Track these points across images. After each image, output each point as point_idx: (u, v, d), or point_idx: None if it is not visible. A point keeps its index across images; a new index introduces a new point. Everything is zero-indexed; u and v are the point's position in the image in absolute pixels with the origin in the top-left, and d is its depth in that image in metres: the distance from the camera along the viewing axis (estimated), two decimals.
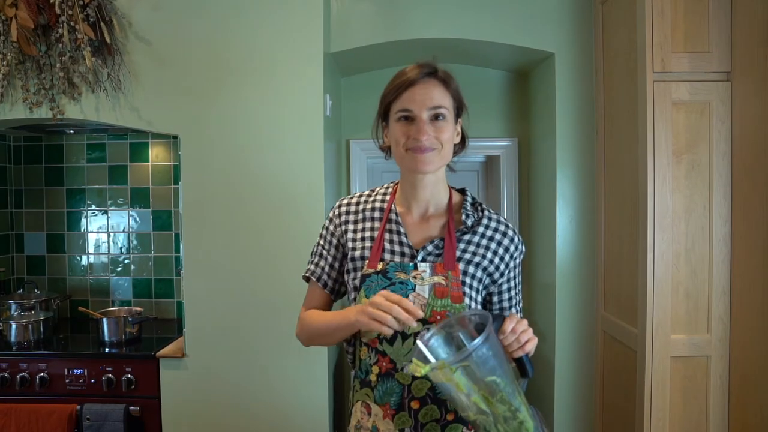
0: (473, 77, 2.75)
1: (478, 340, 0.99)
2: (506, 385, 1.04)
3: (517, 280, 1.33)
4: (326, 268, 1.34)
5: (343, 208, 1.34)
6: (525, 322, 1.11)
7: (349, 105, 2.75)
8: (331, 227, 1.34)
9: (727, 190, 1.88)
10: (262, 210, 2.18)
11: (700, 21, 1.86)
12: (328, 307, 1.37)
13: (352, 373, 1.31)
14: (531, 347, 1.11)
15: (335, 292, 1.36)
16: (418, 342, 1.07)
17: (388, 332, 1.07)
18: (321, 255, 1.35)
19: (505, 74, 2.77)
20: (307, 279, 1.38)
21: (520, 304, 1.36)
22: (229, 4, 2.16)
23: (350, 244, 1.28)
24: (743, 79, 1.81)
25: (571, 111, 2.34)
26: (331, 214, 1.36)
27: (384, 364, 1.21)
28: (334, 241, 1.33)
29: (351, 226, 1.31)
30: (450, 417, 1.21)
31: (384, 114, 1.25)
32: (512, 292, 1.32)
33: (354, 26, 2.32)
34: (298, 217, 2.15)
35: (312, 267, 1.36)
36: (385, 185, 1.37)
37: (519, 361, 1.12)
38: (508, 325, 1.08)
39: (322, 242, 1.36)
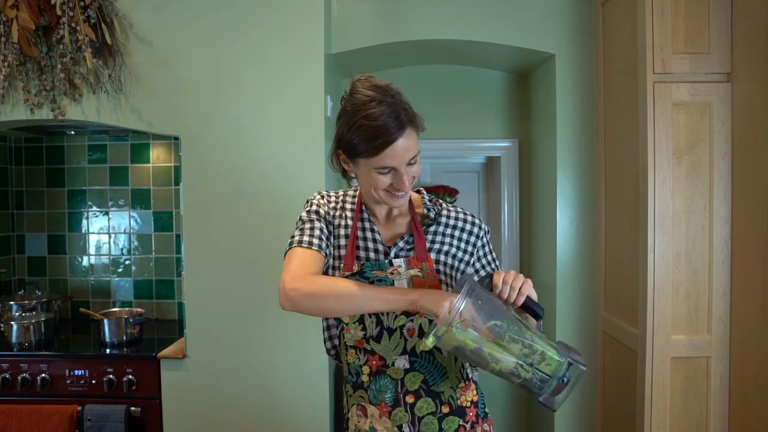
0: (474, 78, 2.75)
1: (461, 295, 1.03)
2: (509, 325, 1.07)
3: (491, 256, 1.36)
4: (325, 239, 1.26)
5: (324, 199, 1.33)
6: (512, 271, 1.13)
7: None
8: (321, 210, 1.30)
9: (728, 191, 1.88)
10: (263, 211, 2.18)
11: (700, 22, 1.86)
12: None
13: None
14: (528, 289, 1.12)
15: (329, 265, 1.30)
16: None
17: (443, 319, 1.04)
18: (313, 228, 1.26)
19: (506, 75, 2.77)
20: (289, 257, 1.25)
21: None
22: (230, 5, 2.16)
23: (331, 239, 1.29)
24: (743, 80, 1.81)
25: (571, 112, 2.34)
26: (315, 201, 1.32)
27: (374, 362, 1.23)
28: (326, 219, 1.29)
29: (331, 219, 1.31)
30: (446, 409, 1.23)
31: (348, 155, 1.20)
32: (489, 268, 1.35)
33: (355, 27, 2.32)
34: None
35: (306, 238, 1.24)
36: (353, 189, 1.37)
37: (526, 308, 1.13)
38: (498, 279, 1.11)
39: (314, 216, 1.28)
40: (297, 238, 1.25)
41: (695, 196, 1.89)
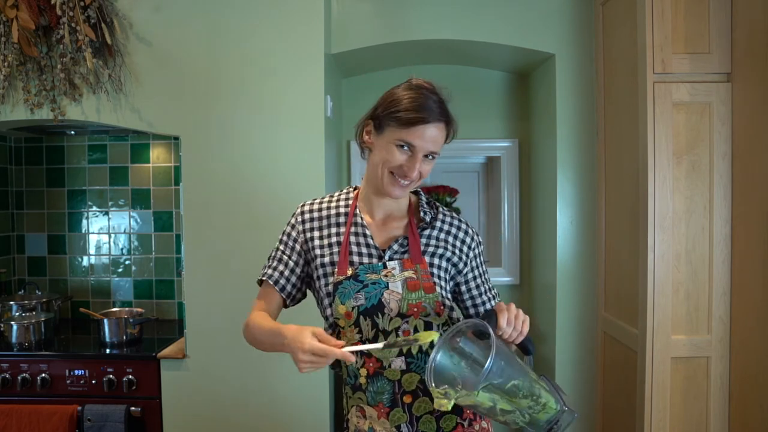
0: (474, 78, 2.75)
1: (488, 363, 1.01)
2: (525, 382, 1.08)
3: (482, 268, 1.38)
4: (286, 273, 1.33)
5: (306, 215, 1.35)
6: (512, 307, 1.14)
7: (350, 106, 2.75)
8: (294, 233, 1.35)
9: (728, 191, 1.88)
10: (262, 211, 2.18)
11: (700, 22, 1.86)
12: (278, 311, 1.36)
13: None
14: (527, 328, 1.14)
15: (291, 297, 1.35)
16: (429, 367, 1.09)
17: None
18: (281, 260, 1.34)
19: (506, 75, 2.77)
20: (260, 283, 1.37)
21: (493, 290, 1.40)
22: (230, 5, 2.16)
23: (318, 251, 1.31)
24: (743, 80, 1.81)
25: (571, 112, 2.34)
26: (293, 220, 1.36)
27: (371, 364, 1.24)
28: (297, 247, 1.34)
29: (316, 233, 1.32)
30: None
31: (380, 122, 1.25)
32: (480, 280, 1.37)
33: (355, 27, 2.32)
34: None
35: (269, 271, 1.34)
36: (345, 190, 1.40)
37: (520, 344, 1.15)
38: (503, 320, 1.11)
39: (282, 247, 1.36)
40: (263, 269, 1.37)
41: (695, 196, 1.89)
